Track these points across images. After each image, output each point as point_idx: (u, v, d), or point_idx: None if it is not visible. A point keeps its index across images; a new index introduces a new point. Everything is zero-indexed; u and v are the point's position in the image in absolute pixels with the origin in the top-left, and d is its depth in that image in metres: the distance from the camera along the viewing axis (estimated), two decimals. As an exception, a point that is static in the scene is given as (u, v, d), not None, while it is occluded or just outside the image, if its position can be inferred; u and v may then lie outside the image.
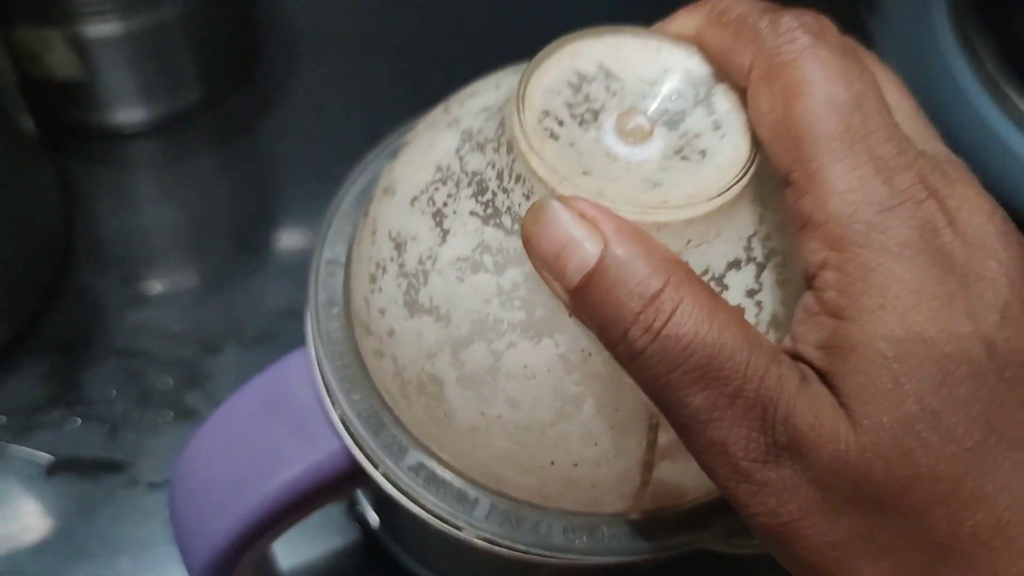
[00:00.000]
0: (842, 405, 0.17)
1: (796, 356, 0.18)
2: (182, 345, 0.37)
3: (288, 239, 0.40)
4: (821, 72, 0.17)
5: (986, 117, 0.39)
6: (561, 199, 0.18)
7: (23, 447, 0.34)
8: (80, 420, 0.35)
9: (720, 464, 0.17)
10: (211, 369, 0.36)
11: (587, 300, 0.17)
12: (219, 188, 0.42)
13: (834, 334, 0.17)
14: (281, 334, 0.37)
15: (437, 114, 0.23)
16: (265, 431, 0.24)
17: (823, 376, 0.17)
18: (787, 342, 0.18)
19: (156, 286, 0.38)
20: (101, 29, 0.38)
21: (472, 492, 0.22)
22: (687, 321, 0.17)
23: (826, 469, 0.16)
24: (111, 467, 0.34)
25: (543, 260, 0.18)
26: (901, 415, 0.16)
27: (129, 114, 0.41)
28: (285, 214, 0.41)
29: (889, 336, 0.16)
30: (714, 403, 0.17)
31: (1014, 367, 0.17)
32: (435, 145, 0.22)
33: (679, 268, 0.17)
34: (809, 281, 0.18)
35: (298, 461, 0.23)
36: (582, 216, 0.17)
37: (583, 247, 0.17)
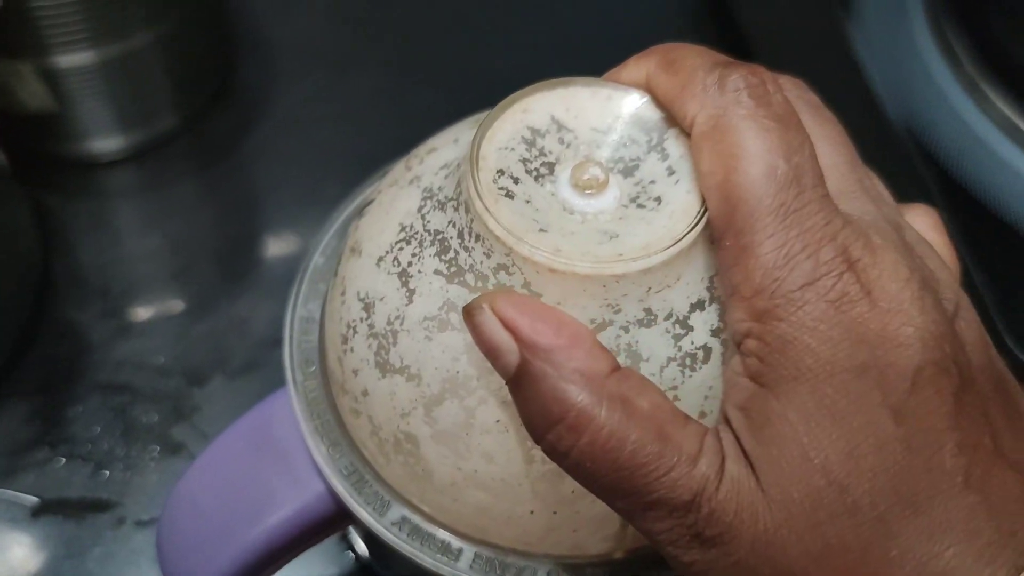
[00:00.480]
0: (757, 479, 0.17)
1: (724, 415, 0.18)
2: (167, 378, 0.36)
3: (272, 263, 0.40)
4: (761, 142, 0.18)
5: (965, 117, 0.39)
6: (492, 301, 0.18)
7: (7, 490, 0.33)
8: (64, 459, 0.34)
9: (652, 543, 0.18)
10: (197, 401, 0.35)
11: (515, 399, 0.18)
12: (200, 214, 0.41)
13: (753, 399, 0.17)
14: (267, 363, 0.36)
15: (399, 172, 0.23)
16: (253, 473, 0.24)
17: (740, 442, 0.18)
18: (722, 398, 0.19)
19: (139, 318, 0.38)
20: (72, 59, 0.38)
21: (456, 543, 0.22)
22: (593, 447, 0.17)
23: (748, 552, 0.17)
24: (97, 506, 0.33)
25: (483, 354, 0.19)
26: (810, 489, 0.17)
27: (105, 143, 0.41)
28: (268, 237, 0.41)
29: (801, 408, 0.17)
30: (633, 509, 0.18)
31: (921, 433, 0.17)
32: (398, 204, 0.22)
33: (589, 384, 0.17)
34: (737, 345, 0.18)
35: (287, 503, 0.23)
36: (504, 323, 0.18)
37: (505, 357, 0.18)
